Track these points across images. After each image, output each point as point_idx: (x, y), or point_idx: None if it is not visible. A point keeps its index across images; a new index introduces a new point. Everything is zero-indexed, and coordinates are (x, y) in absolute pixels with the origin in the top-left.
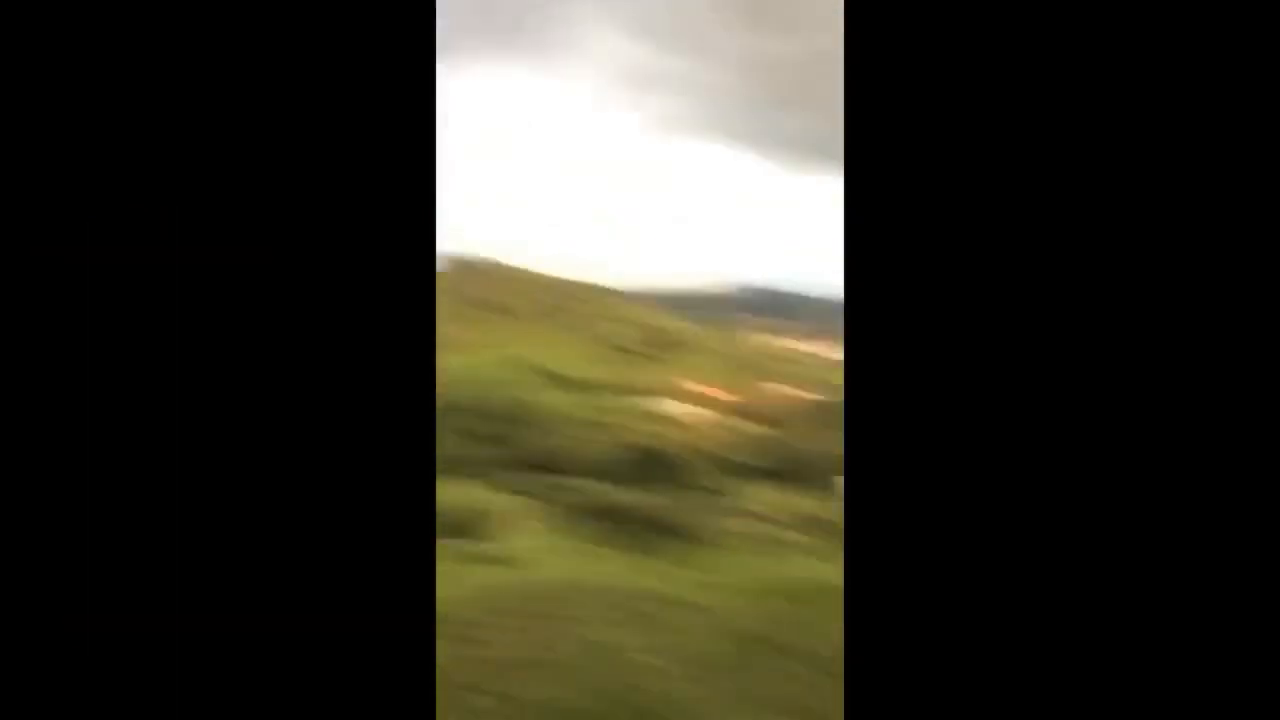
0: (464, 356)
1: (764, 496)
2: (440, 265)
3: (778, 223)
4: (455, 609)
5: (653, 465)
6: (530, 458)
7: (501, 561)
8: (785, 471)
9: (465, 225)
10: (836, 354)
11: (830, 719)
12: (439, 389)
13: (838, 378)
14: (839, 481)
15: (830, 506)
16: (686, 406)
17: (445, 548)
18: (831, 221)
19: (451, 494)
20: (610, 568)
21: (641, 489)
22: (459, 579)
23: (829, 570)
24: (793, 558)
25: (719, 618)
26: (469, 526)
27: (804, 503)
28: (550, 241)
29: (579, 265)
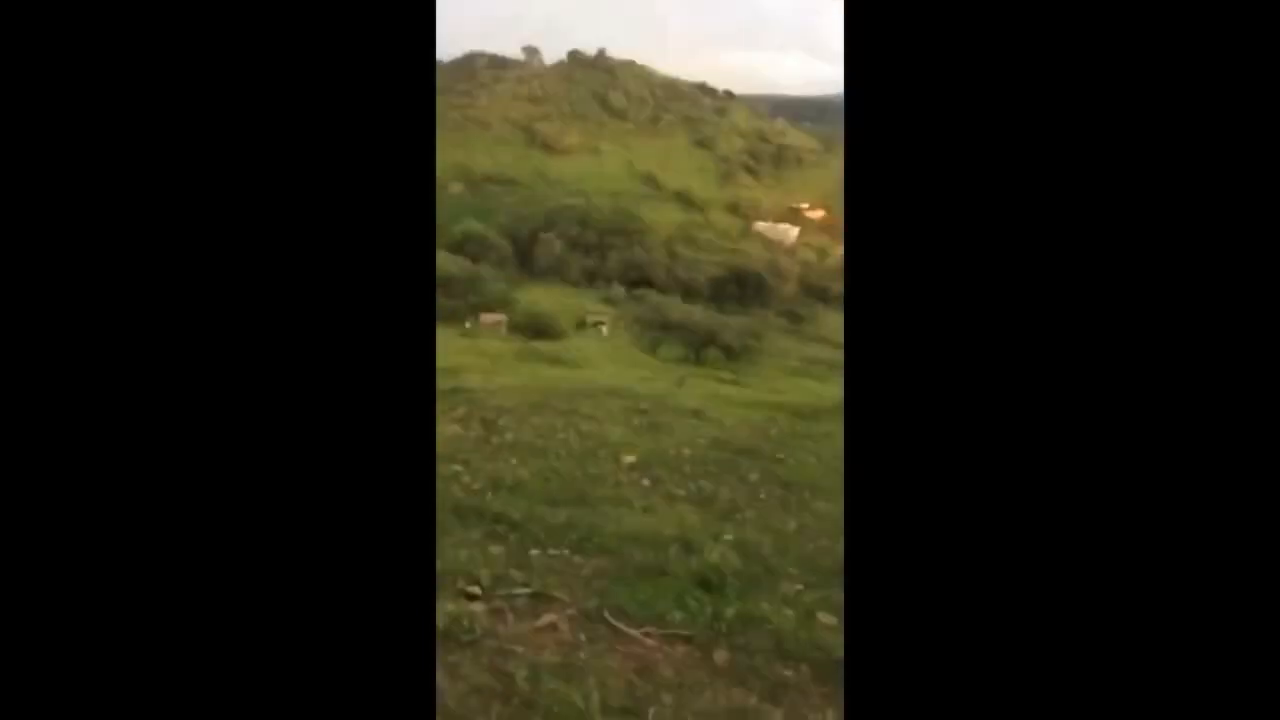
0: (573, 161)
1: (839, 322)
2: (553, 59)
3: None
4: (492, 397)
5: (738, 285)
6: (624, 270)
7: (559, 362)
8: None
9: (577, 23)
10: None
11: (785, 533)
12: (549, 194)
13: None
14: None
15: None
16: (784, 226)
17: (520, 347)
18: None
19: (543, 299)
20: (648, 375)
21: (719, 306)
22: (515, 371)
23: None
24: (834, 379)
25: (717, 428)
26: (548, 330)
27: None
28: (665, 36)
29: (694, 62)
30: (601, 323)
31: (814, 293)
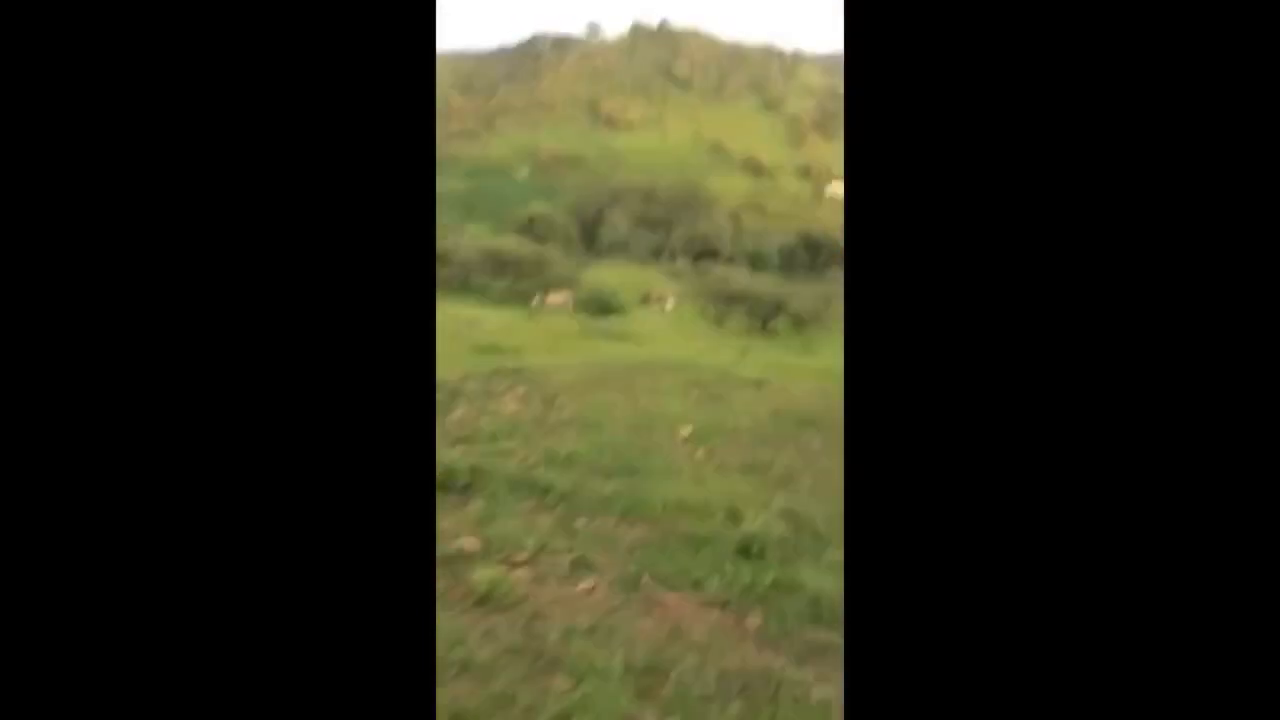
0: (637, 136)
1: None
2: (616, 33)
3: None
4: (553, 375)
5: (808, 251)
6: (690, 243)
7: (623, 338)
8: None
9: None
10: None
11: (840, 500)
12: (615, 170)
13: None
14: None
15: None
16: None
17: (583, 324)
18: None
19: (607, 277)
20: (711, 348)
21: (790, 275)
22: (577, 349)
23: None
24: None
25: (780, 398)
26: (613, 306)
27: None
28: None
29: (756, 25)
30: (665, 297)
31: None
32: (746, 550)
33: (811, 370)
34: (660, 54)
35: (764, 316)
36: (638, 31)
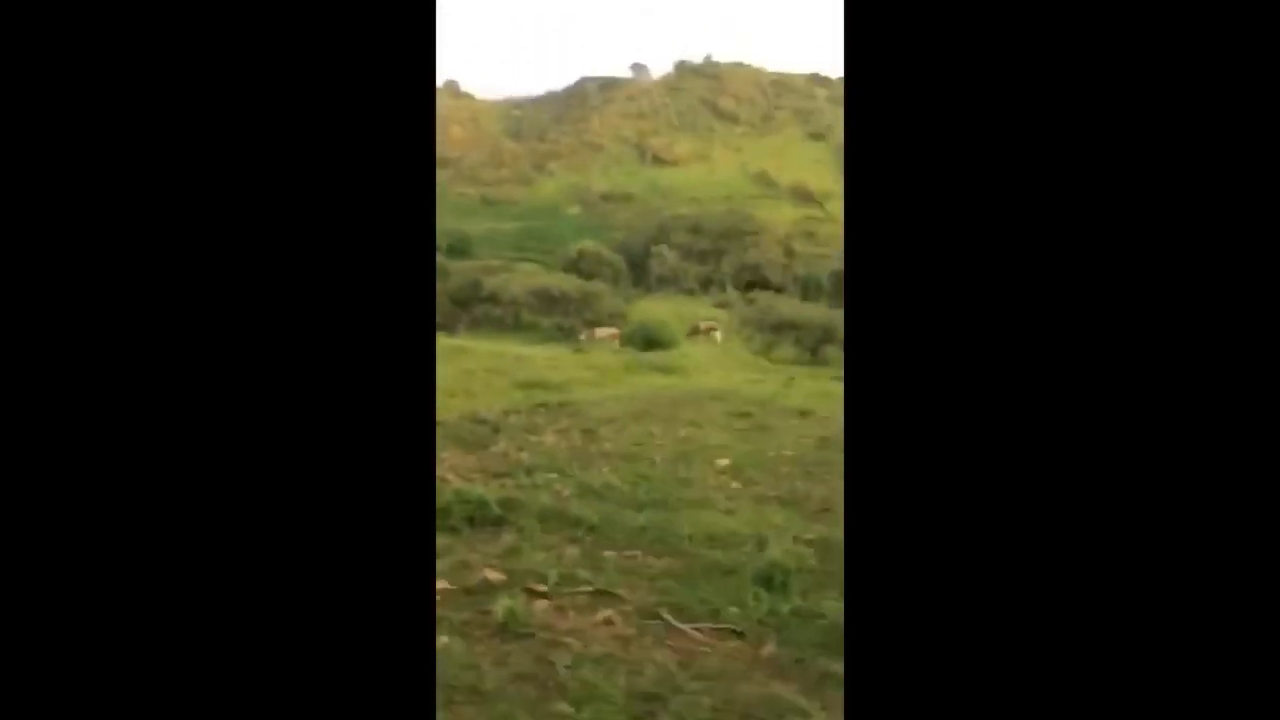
0: (685, 171)
1: None
2: (662, 71)
3: None
4: (596, 409)
5: None
6: (740, 272)
7: (669, 370)
8: None
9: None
10: None
11: None
12: (663, 205)
13: None
14: None
15: None
16: None
17: (630, 358)
18: None
19: (655, 310)
20: (758, 377)
21: (840, 302)
22: (623, 383)
23: None
24: None
25: (825, 427)
26: (661, 340)
27: None
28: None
29: (802, 54)
30: (714, 328)
31: None
32: (769, 580)
33: None
34: (705, 89)
35: (813, 345)
36: (682, 69)
